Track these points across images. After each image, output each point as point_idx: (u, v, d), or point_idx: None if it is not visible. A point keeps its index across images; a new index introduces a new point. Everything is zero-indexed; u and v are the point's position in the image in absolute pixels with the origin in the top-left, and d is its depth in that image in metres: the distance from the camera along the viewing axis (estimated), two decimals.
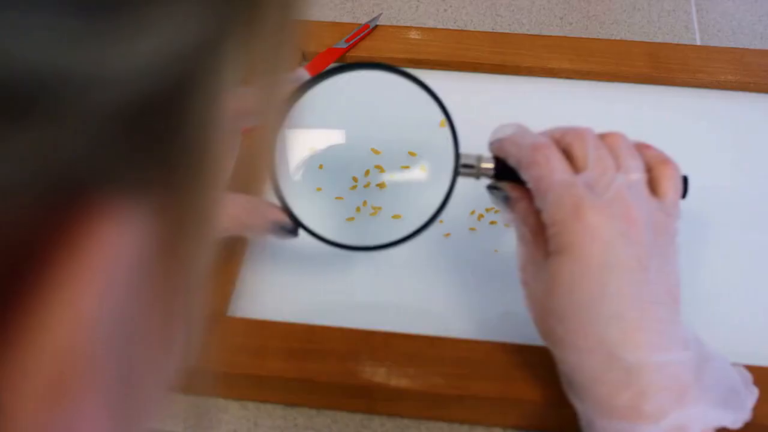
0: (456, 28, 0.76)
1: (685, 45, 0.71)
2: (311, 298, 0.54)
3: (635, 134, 0.63)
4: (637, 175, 0.44)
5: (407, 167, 0.59)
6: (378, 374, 0.48)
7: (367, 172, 0.59)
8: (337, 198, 0.58)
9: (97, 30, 0.13)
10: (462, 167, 0.46)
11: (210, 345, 0.22)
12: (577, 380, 0.41)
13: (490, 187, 0.47)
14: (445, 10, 0.78)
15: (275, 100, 0.22)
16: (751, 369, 0.44)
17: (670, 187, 0.45)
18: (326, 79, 0.47)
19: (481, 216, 0.58)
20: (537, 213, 0.44)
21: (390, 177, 0.59)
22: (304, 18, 0.20)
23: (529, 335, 0.51)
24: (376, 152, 0.59)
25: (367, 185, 0.59)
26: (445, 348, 0.49)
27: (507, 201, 0.46)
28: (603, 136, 0.45)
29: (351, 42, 0.68)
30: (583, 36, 0.74)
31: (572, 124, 0.46)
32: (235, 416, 0.50)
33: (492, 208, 0.58)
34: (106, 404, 0.16)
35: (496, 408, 0.49)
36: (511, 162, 0.45)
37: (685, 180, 0.46)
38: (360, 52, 0.68)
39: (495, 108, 0.62)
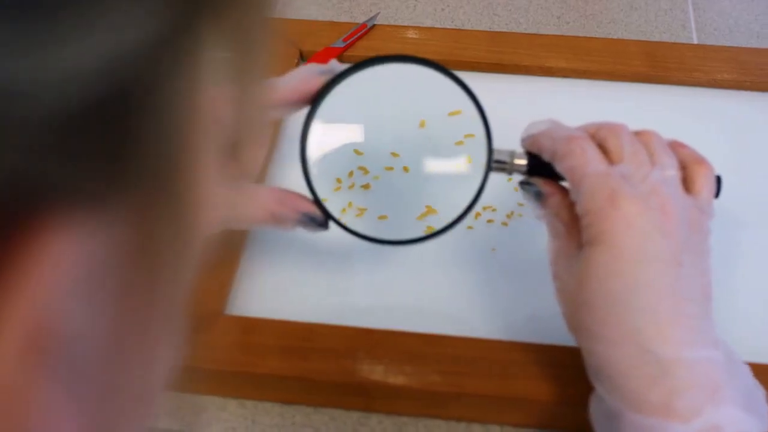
0: (453, 27, 0.76)
1: (682, 44, 0.71)
2: (309, 297, 0.54)
3: None
4: (672, 172, 0.44)
5: (391, 168, 0.59)
6: (375, 372, 0.48)
7: (350, 174, 0.60)
8: (322, 200, 0.58)
9: (26, 36, 0.12)
10: (494, 162, 0.46)
11: (207, 344, 0.21)
12: (606, 374, 0.41)
13: (523, 183, 0.47)
14: (443, 10, 0.78)
15: (255, 98, 0.21)
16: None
17: (704, 185, 0.44)
18: (359, 71, 0.47)
19: (478, 214, 0.58)
20: (570, 207, 0.44)
21: (374, 179, 0.59)
22: (278, 14, 0.19)
23: (527, 333, 0.51)
24: (358, 153, 0.59)
25: (351, 186, 0.59)
26: (442, 346, 0.49)
27: (539, 197, 0.46)
28: (637, 134, 0.45)
29: (349, 41, 0.68)
30: (581, 35, 0.74)
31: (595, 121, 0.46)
32: (233, 414, 0.50)
33: (490, 207, 0.58)
34: (74, 414, 0.15)
35: (494, 406, 0.49)
36: (546, 155, 0.45)
37: (718, 180, 0.46)
38: (358, 52, 0.68)
39: (492, 107, 0.62)
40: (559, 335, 0.52)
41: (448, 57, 0.67)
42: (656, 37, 0.75)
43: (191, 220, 0.18)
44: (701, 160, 0.45)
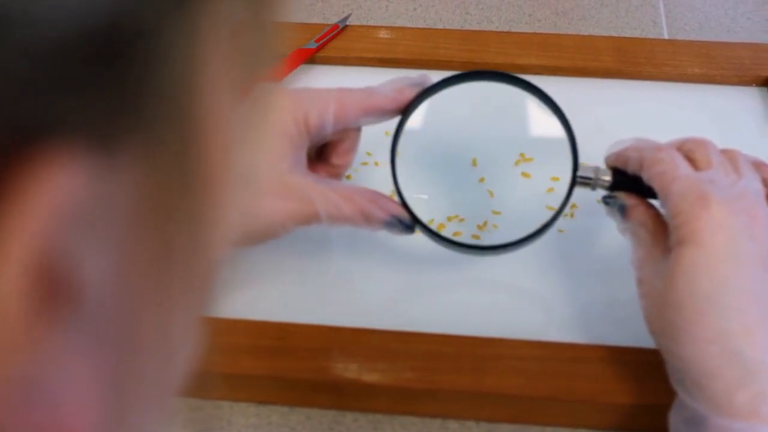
0: (426, 26, 0.76)
1: (652, 39, 0.72)
2: (281, 297, 0.54)
3: (605, 129, 0.63)
4: (758, 185, 0.44)
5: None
6: (349, 370, 0.48)
7: None
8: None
9: None
10: (580, 178, 0.47)
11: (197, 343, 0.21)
12: (692, 376, 0.40)
13: (606, 198, 0.48)
14: (415, 9, 0.78)
15: (263, 74, 0.20)
16: None
17: None
18: (450, 86, 0.49)
19: (441, 226, 0.58)
20: (654, 216, 0.45)
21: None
22: None
23: (499, 328, 0.52)
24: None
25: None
26: (415, 342, 0.50)
27: (623, 209, 0.47)
28: (721, 151, 0.46)
29: (321, 42, 0.68)
30: (552, 32, 0.74)
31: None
32: (208, 415, 0.50)
33: (456, 216, 0.59)
34: (91, 369, 0.15)
35: (469, 401, 0.49)
36: (632, 166, 0.46)
37: None
38: (330, 53, 0.68)
39: (465, 105, 0.62)
40: (531, 330, 0.52)
41: (421, 56, 0.68)
42: (627, 33, 0.76)
43: (209, 181, 0.17)
44: None
